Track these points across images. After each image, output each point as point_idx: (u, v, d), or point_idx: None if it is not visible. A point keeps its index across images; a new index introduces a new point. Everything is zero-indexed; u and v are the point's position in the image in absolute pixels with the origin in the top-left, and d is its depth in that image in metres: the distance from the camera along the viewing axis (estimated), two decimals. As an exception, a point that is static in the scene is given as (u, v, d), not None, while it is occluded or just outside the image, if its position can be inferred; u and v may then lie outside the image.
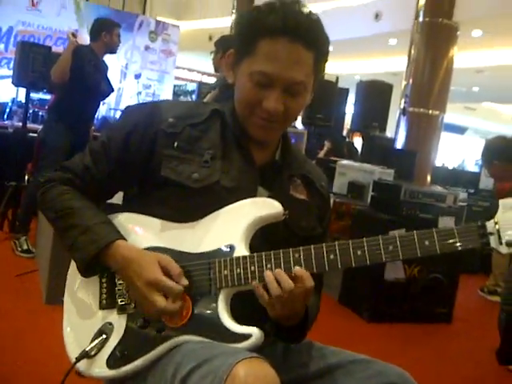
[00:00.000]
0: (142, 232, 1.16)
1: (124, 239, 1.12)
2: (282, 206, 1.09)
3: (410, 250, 0.99)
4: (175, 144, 1.14)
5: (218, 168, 1.14)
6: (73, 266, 1.20)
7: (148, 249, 1.12)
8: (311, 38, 1.10)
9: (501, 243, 0.96)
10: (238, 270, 1.05)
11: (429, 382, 2.55)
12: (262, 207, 1.10)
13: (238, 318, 1.05)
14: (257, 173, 1.18)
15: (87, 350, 1.10)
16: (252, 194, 1.15)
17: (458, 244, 0.98)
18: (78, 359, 1.10)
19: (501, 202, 0.99)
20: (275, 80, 1.09)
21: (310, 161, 1.36)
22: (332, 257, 1.02)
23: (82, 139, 3.56)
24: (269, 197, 1.15)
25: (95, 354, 1.10)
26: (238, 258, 1.06)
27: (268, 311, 1.05)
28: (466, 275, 4.15)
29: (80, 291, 1.20)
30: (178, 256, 1.09)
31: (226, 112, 1.20)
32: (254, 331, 1.01)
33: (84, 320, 1.16)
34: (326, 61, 1.19)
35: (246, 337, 1.01)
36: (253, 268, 1.04)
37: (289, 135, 1.28)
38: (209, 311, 1.06)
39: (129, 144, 1.17)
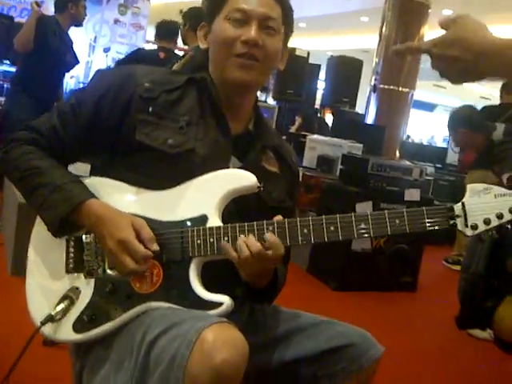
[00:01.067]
0: (113, 197, 1.14)
1: (97, 199, 1.11)
2: (254, 174, 1.10)
3: (380, 228, 1.04)
4: (150, 109, 1.13)
5: (192, 135, 1.14)
6: (37, 228, 1.18)
7: None
8: None
9: (466, 226, 1.03)
10: (211, 240, 1.06)
11: (393, 348, 2.62)
12: (237, 179, 1.10)
13: (208, 285, 1.07)
14: (231, 142, 1.18)
15: (52, 314, 1.09)
16: (225, 163, 1.15)
17: (427, 224, 1.04)
18: (43, 323, 1.09)
19: (468, 186, 1.04)
20: (250, 15, 1.13)
21: (280, 135, 1.38)
22: (305, 231, 1.05)
23: (46, 109, 3.49)
24: (241, 167, 1.16)
25: (60, 319, 1.09)
26: (211, 228, 1.07)
27: (240, 270, 1.07)
28: (431, 247, 4.27)
29: (45, 255, 1.17)
30: (150, 223, 1.09)
31: (207, 78, 1.19)
32: (225, 299, 1.03)
33: (49, 284, 1.15)
34: (292, 30, 1.24)
35: (217, 305, 1.03)
36: (226, 238, 1.06)
37: (260, 108, 1.29)
38: (180, 279, 1.06)
39: (100, 107, 1.14)
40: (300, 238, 1.05)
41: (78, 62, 4.03)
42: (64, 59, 3.78)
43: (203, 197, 1.10)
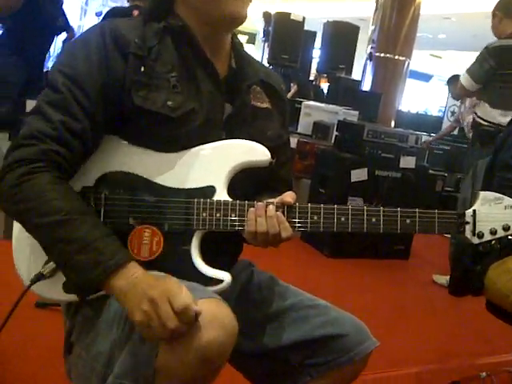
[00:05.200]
0: (119, 156, 1.06)
1: (132, 259, 0.95)
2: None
3: (390, 225, 1.05)
4: (142, 69, 1.03)
5: (186, 92, 1.06)
6: None
7: (124, 173, 1.04)
8: None
9: (474, 234, 1.05)
10: (218, 215, 1.02)
11: (385, 312, 2.66)
12: (250, 152, 1.07)
13: (205, 253, 1.04)
14: (222, 88, 1.11)
15: (42, 271, 1.04)
16: (220, 113, 1.10)
17: (436, 228, 1.05)
18: (33, 281, 1.05)
19: (481, 193, 1.06)
20: None
21: (263, 64, 1.33)
22: (315, 218, 1.04)
23: (36, 72, 3.42)
24: (233, 112, 1.11)
25: (50, 276, 1.05)
26: (218, 202, 1.03)
27: (246, 236, 1.04)
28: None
29: None
30: (156, 189, 1.04)
31: (186, 24, 1.09)
32: (226, 277, 1.01)
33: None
34: None
35: (217, 281, 1.00)
36: (233, 215, 1.03)
37: (238, 41, 1.21)
38: (181, 251, 1.03)
39: (104, 70, 1.01)
40: (309, 225, 1.05)
41: (69, 26, 3.94)
42: (56, 24, 3.68)
43: (212, 167, 1.05)
